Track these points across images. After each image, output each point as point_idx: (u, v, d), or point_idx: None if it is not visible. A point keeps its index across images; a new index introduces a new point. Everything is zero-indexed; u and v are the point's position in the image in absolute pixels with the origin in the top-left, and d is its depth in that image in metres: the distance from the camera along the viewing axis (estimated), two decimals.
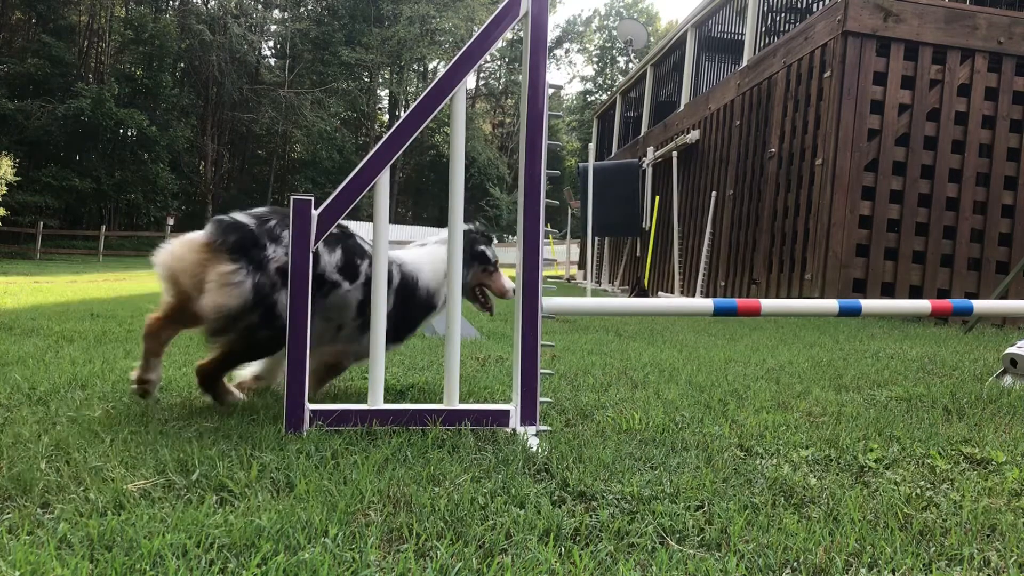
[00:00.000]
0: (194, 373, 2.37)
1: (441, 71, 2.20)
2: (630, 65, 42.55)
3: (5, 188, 22.73)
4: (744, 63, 9.80)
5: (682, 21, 12.81)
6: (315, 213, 2.11)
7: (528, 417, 2.18)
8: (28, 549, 1.26)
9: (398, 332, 2.51)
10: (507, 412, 2.20)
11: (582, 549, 1.34)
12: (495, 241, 2.81)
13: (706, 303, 2.40)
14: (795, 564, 1.32)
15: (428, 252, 2.61)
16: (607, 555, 1.33)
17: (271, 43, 43.25)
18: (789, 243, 8.00)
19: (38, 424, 2.10)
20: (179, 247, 2.25)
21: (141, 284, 11.33)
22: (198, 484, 1.65)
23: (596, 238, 13.96)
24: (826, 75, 7.44)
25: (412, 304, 2.51)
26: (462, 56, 2.18)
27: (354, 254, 2.38)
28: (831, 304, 2.49)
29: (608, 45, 51.25)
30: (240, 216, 2.27)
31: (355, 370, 3.25)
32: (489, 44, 2.20)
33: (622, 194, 10.44)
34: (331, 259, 2.32)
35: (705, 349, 4.39)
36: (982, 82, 7.41)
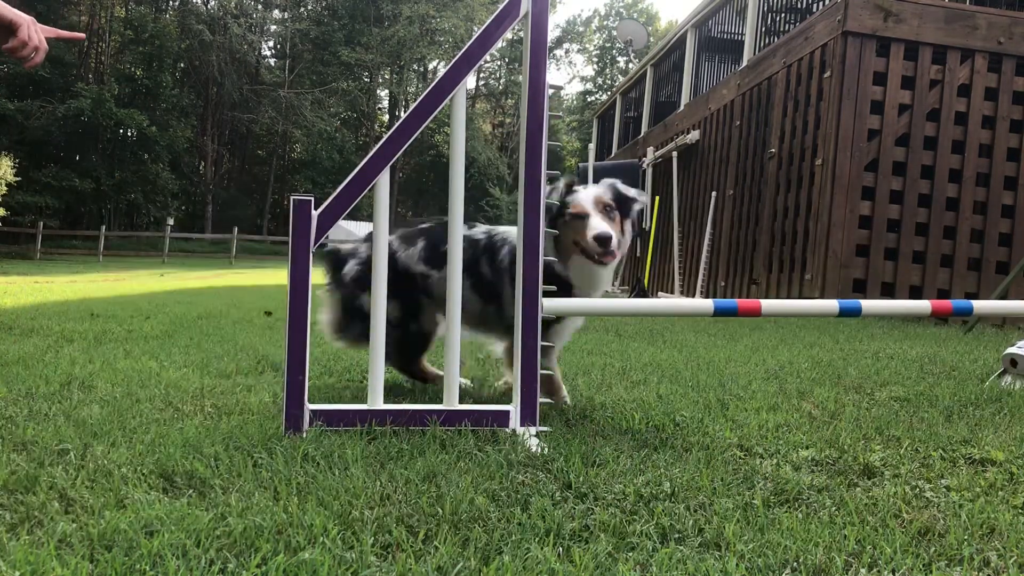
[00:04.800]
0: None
1: (441, 71, 2.20)
2: (630, 65, 42.54)
3: (5, 188, 22.73)
4: (744, 63, 9.80)
5: (682, 21, 12.81)
6: (315, 213, 2.11)
7: (528, 417, 2.18)
8: (28, 549, 1.26)
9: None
10: (507, 412, 2.20)
11: (582, 549, 1.34)
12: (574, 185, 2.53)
13: (706, 303, 2.40)
14: (795, 564, 1.32)
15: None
16: (607, 555, 1.33)
17: (271, 43, 43.26)
18: (789, 243, 8.00)
19: (38, 424, 2.10)
20: None
21: (141, 284, 11.33)
22: (198, 484, 1.65)
23: None
24: (826, 75, 7.44)
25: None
26: (462, 56, 2.19)
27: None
28: (831, 304, 2.49)
29: (608, 45, 51.24)
30: None
31: (355, 370, 3.25)
32: (489, 44, 2.20)
33: None
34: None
35: (705, 349, 4.39)
36: (982, 82, 7.41)
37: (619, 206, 2.50)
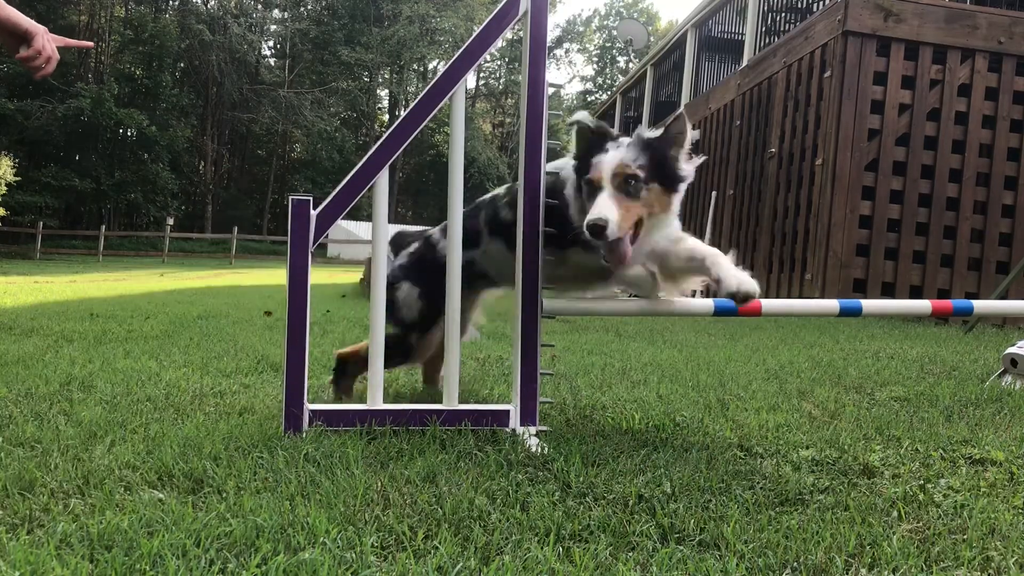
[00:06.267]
0: None
1: (441, 71, 2.19)
2: (630, 65, 42.52)
3: (5, 188, 22.73)
4: (744, 63, 9.80)
5: (682, 21, 12.81)
6: (314, 213, 2.11)
7: (528, 417, 2.18)
8: (28, 549, 1.25)
9: None
10: (507, 412, 2.20)
11: (582, 549, 1.34)
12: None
13: (706, 303, 2.40)
14: (795, 564, 1.32)
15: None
16: (607, 555, 1.33)
17: (271, 43, 43.28)
18: (789, 243, 8.00)
19: (38, 424, 2.10)
20: None
21: (141, 284, 11.33)
22: (198, 484, 1.65)
23: None
24: (826, 75, 7.44)
25: None
26: (462, 55, 2.18)
27: None
28: (831, 304, 2.49)
29: (608, 45, 51.24)
30: None
31: None
32: (489, 43, 2.20)
33: None
34: None
35: (705, 349, 4.39)
36: (982, 82, 7.40)
37: (655, 167, 2.01)
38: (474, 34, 2.18)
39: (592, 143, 2.05)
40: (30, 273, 14.61)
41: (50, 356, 3.37)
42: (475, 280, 2.42)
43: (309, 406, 2.12)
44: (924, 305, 2.58)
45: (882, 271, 7.33)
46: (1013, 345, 3.33)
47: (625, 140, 2.05)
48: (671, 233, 2.19)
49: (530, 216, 2.17)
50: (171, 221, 29.45)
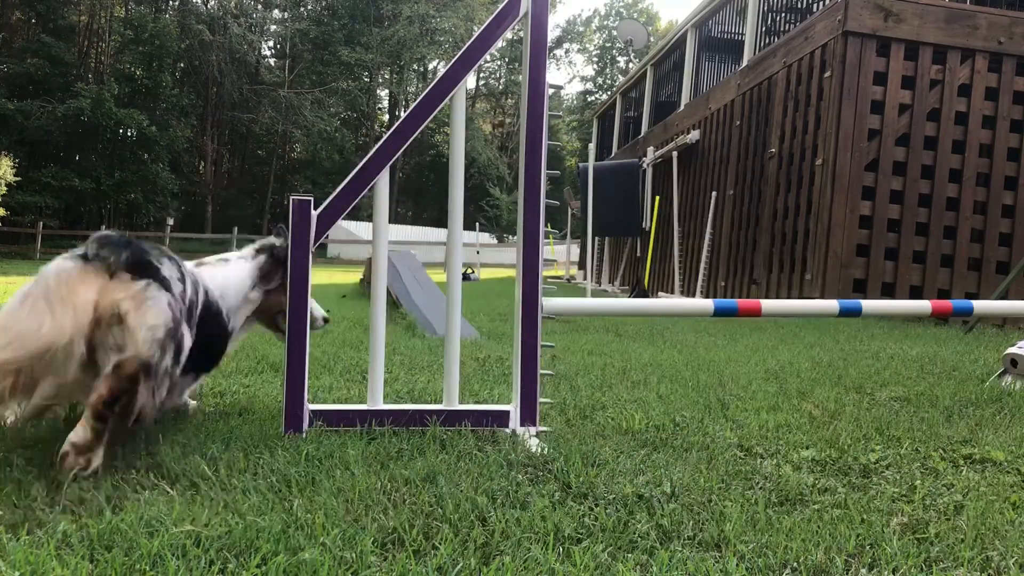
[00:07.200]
0: None
1: (441, 71, 2.20)
2: (630, 65, 42.55)
3: (5, 188, 22.72)
4: (744, 63, 9.80)
5: (682, 21, 12.81)
6: (315, 213, 2.11)
7: (528, 418, 2.18)
8: (28, 549, 1.25)
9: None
10: (507, 412, 2.20)
11: (582, 549, 1.34)
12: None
13: (706, 303, 2.40)
14: (795, 564, 1.32)
15: (232, 272, 2.28)
16: (607, 555, 1.33)
17: (271, 43, 43.26)
18: (789, 243, 8.00)
19: (38, 424, 2.09)
20: None
21: None
22: (198, 483, 1.65)
23: (596, 238, 13.95)
24: (826, 75, 7.44)
25: (215, 331, 2.14)
26: (462, 56, 2.19)
27: None
28: (831, 304, 2.49)
29: (608, 45, 51.24)
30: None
31: (355, 370, 3.24)
32: (489, 44, 2.20)
33: (622, 194, 10.44)
34: None
35: (705, 349, 4.39)
36: (982, 82, 7.40)
37: None
38: (475, 35, 2.19)
39: None
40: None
41: None
42: None
43: (309, 406, 2.12)
44: (924, 305, 2.58)
45: (882, 271, 7.33)
46: (1013, 345, 3.33)
47: None
48: None
49: (530, 217, 2.17)
50: (171, 221, 29.41)
